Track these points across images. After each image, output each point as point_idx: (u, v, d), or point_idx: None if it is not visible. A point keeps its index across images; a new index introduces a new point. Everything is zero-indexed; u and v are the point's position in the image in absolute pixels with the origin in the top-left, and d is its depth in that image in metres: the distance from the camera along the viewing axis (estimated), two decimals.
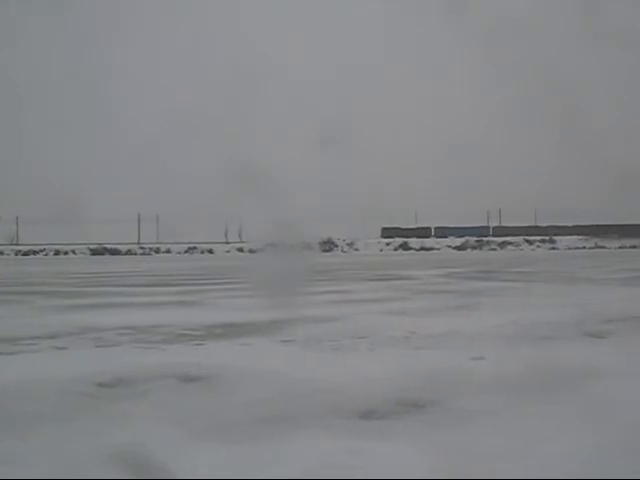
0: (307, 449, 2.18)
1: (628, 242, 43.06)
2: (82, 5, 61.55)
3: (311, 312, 5.90)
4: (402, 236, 45.57)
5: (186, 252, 42.31)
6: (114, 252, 40.63)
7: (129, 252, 41.60)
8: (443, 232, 46.57)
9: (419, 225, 47.69)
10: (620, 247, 41.44)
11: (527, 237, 45.21)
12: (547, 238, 44.89)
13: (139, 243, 45.11)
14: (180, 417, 2.59)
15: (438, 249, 41.71)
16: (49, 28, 55.84)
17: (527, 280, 11.24)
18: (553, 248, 42.71)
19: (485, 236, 45.42)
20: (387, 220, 45.88)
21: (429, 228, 47.62)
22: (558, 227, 45.62)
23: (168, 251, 42.59)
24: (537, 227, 46.67)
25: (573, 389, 2.93)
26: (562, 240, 44.14)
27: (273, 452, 2.14)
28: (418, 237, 45.35)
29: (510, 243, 44.24)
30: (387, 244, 43.41)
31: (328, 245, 42.39)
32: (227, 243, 45.94)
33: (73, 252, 39.89)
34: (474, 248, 42.96)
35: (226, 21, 65.27)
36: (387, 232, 46.94)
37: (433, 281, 10.93)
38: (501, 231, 46.53)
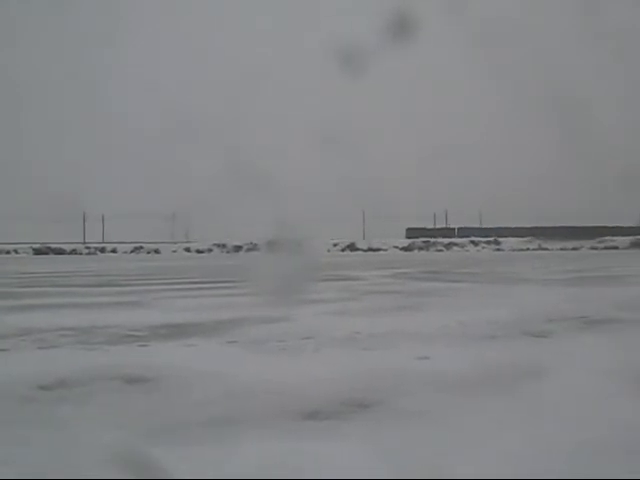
0: (255, 450, 2.17)
1: (570, 244, 43.99)
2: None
3: (257, 313, 5.89)
4: (427, 236, 46.00)
5: (132, 252, 41.82)
6: (58, 252, 39.89)
7: (74, 252, 40.90)
8: (466, 232, 47.04)
9: (443, 226, 48.11)
10: (562, 249, 42.31)
11: (473, 238, 45.85)
12: (492, 239, 45.59)
13: (84, 242, 44.40)
14: (126, 420, 2.56)
15: (385, 250, 41.95)
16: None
17: (472, 281, 11.38)
18: (498, 249, 43.37)
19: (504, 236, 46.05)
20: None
21: (453, 229, 48.04)
22: (549, 227, 46.44)
23: (114, 251, 42.05)
24: (540, 228, 47.18)
25: (516, 387, 2.98)
26: (507, 242, 44.87)
27: (221, 454, 2.13)
28: (443, 237, 45.84)
29: (456, 244, 44.77)
30: (334, 245, 43.49)
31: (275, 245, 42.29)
32: (174, 243, 45.56)
33: (15, 252, 39.00)
34: (421, 249, 43.36)
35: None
36: (412, 232, 47.23)
37: (380, 282, 11.00)
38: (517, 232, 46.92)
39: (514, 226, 46.64)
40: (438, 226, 48.23)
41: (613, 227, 47.81)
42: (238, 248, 43.11)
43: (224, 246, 43.47)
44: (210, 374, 3.33)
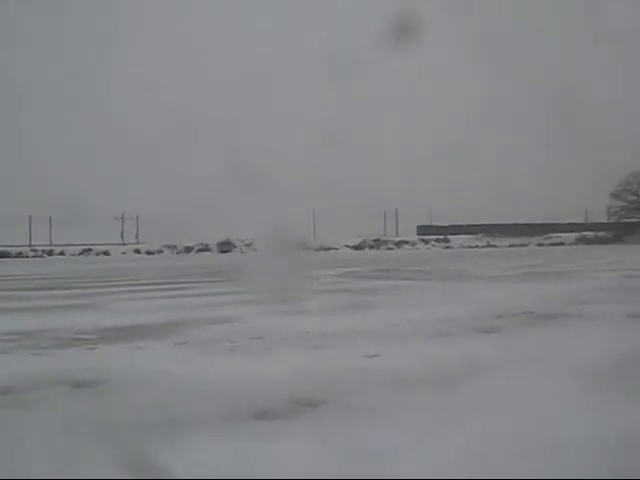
0: (204, 451, 2.16)
1: (518, 241, 44.78)
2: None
3: (207, 313, 5.86)
4: (438, 234, 46.18)
5: (81, 254, 41.25)
6: (3, 255, 39.09)
7: (20, 255, 40.15)
8: (475, 229, 47.57)
9: (453, 223, 48.53)
10: (510, 245, 43.05)
11: (423, 236, 46.30)
12: (442, 237, 46.10)
13: (31, 245, 43.61)
14: (75, 424, 2.52)
15: (337, 249, 42.10)
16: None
17: (423, 278, 11.48)
18: (447, 247, 43.89)
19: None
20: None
21: (462, 225, 48.41)
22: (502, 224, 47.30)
23: (62, 253, 41.42)
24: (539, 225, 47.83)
25: (465, 383, 3.01)
26: (456, 239, 45.42)
27: (170, 457, 2.11)
28: (452, 234, 46.08)
29: (407, 242, 45.14)
30: None
31: (227, 246, 42.18)
32: (123, 244, 45.04)
33: None
34: (372, 247, 43.64)
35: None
36: (423, 230, 47.33)
37: (330, 280, 11.02)
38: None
39: (513, 222, 47.31)
40: (449, 223, 48.80)
41: (560, 224, 48.87)
42: (189, 249, 42.80)
43: (174, 247, 43.12)
44: (160, 376, 3.30)
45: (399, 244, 44.82)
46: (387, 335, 4.46)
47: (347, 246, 43.09)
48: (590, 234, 47.16)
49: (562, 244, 44.56)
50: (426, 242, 45.47)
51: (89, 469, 2.01)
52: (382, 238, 45.90)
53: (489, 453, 2.10)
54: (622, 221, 48.96)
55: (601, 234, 46.94)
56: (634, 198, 49.65)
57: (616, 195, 49.30)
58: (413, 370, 3.31)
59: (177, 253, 42.13)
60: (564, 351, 3.81)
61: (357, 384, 3.04)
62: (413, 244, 45.00)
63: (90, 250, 41.85)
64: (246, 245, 42.97)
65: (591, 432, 2.27)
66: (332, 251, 40.97)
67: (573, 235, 46.97)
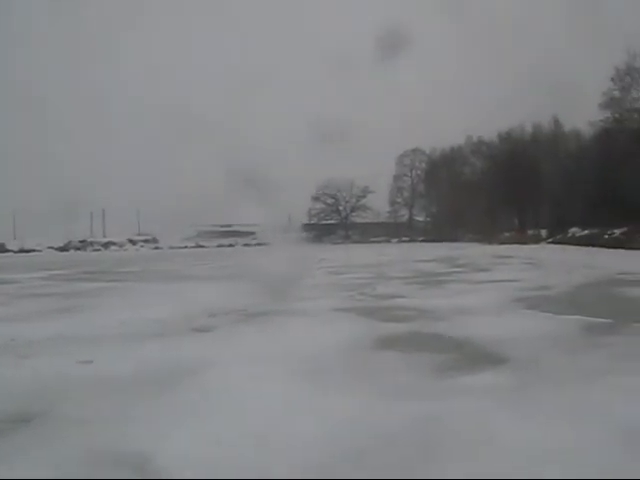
0: None
1: (226, 241, 46.05)
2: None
3: None
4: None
5: None
6: None
7: None
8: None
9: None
10: (219, 246, 44.07)
11: (131, 237, 45.58)
12: (151, 238, 45.76)
13: None
14: None
15: (40, 251, 39.97)
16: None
17: (132, 280, 11.25)
18: (157, 248, 43.61)
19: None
20: None
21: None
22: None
23: None
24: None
25: (174, 385, 2.98)
26: (165, 240, 45.34)
27: None
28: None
29: (114, 243, 44.15)
30: None
31: None
32: None
33: None
34: (78, 249, 42.07)
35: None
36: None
37: (33, 284, 10.40)
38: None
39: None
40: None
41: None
42: None
43: None
44: None
45: (106, 245, 43.68)
46: (100, 339, 4.29)
47: (52, 247, 41.07)
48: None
49: (268, 244, 46.64)
50: (134, 243, 44.81)
51: None
52: (89, 239, 44.41)
53: (222, 455, 2.10)
54: (321, 222, 52.33)
55: (303, 234, 49.92)
56: (332, 201, 53.30)
57: (316, 198, 52.61)
58: (126, 375, 3.20)
59: None
60: (275, 348, 3.93)
61: (72, 393, 2.88)
62: (121, 245, 44.10)
63: None
64: None
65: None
66: (35, 253, 38.82)
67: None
